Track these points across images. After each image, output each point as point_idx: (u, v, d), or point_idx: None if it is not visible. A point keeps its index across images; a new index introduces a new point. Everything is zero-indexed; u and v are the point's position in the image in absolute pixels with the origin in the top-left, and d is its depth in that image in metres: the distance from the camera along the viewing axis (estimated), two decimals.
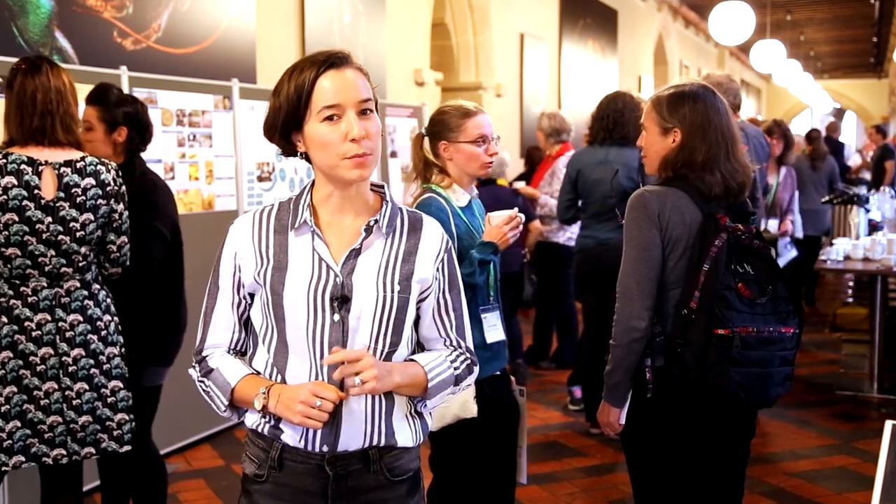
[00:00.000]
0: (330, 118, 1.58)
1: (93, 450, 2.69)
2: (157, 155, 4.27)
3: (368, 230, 1.64)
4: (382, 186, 1.72)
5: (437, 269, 1.70)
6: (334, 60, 1.60)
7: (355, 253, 1.63)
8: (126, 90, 4.07)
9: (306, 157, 1.65)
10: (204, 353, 1.73)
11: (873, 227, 6.92)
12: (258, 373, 1.68)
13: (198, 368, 1.73)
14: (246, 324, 1.73)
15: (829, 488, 4.01)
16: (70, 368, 2.65)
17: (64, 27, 4.22)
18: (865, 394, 5.54)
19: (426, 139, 2.78)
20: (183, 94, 4.43)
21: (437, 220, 1.77)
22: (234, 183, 4.76)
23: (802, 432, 4.81)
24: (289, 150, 1.67)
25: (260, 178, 4.95)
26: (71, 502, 2.82)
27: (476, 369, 1.80)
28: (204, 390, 1.71)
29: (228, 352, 1.73)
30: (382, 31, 6.88)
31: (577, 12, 11.06)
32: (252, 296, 1.69)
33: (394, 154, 6.29)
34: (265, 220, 1.67)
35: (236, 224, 1.70)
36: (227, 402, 1.67)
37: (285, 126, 1.63)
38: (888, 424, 1.85)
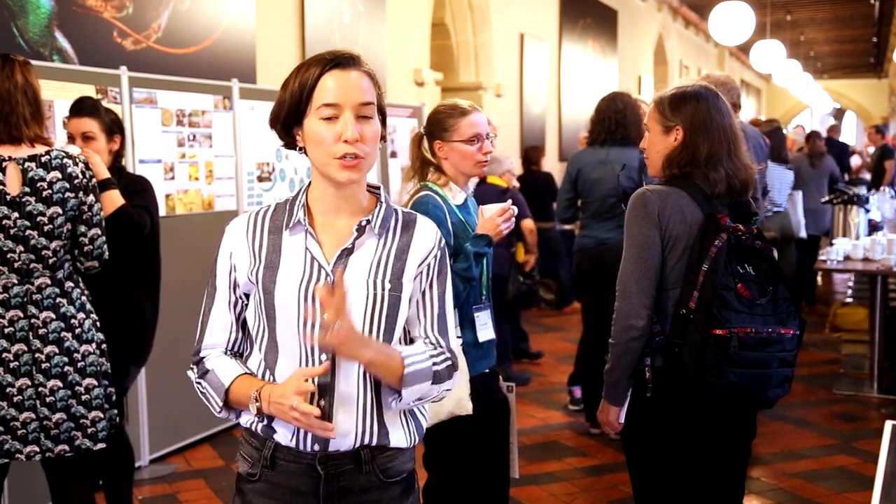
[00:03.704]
0: (328, 117, 1.59)
1: (66, 447, 2.70)
2: (157, 155, 4.27)
3: (360, 230, 1.65)
4: (378, 188, 1.73)
5: (428, 265, 1.69)
6: (341, 60, 1.61)
7: (347, 252, 1.64)
8: (126, 90, 4.08)
9: (305, 152, 1.66)
10: (201, 354, 1.73)
11: (873, 227, 6.92)
12: (252, 373, 1.68)
13: (195, 370, 1.73)
14: (244, 325, 1.73)
15: (829, 488, 4.00)
16: (43, 365, 2.66)
17: (64, 27, 4.22)
18: (865, 394, 5.55)
19: (424, 138, 2.78)
20: (183, 94, 4.43)
21: (433, 218, 1.77)
22: (233, 183, 4.76)
23: (802, 432, 4.81)
24: (289, 142, 1.68)
25: (260, 179, 4.95)
26: (82, 487, 2.83)
27: (457, 374, 1.75)
28: (201, 392, 1.72)
29: (225, 352, 1.73)
30: (382, 31, 6.88)
31: (577, 12, 11.07)
32: (248, 296, 1.70)
33: (394, 154, 6.29)
34: (260, 221, 1.69)
35: (232, 224, 1.72)
36: (221, 404, 1.68)
37: (287, 119, 1.65)
38: (888, 424, 1.86)
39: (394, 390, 1.64)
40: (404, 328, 1.72)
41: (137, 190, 3.20)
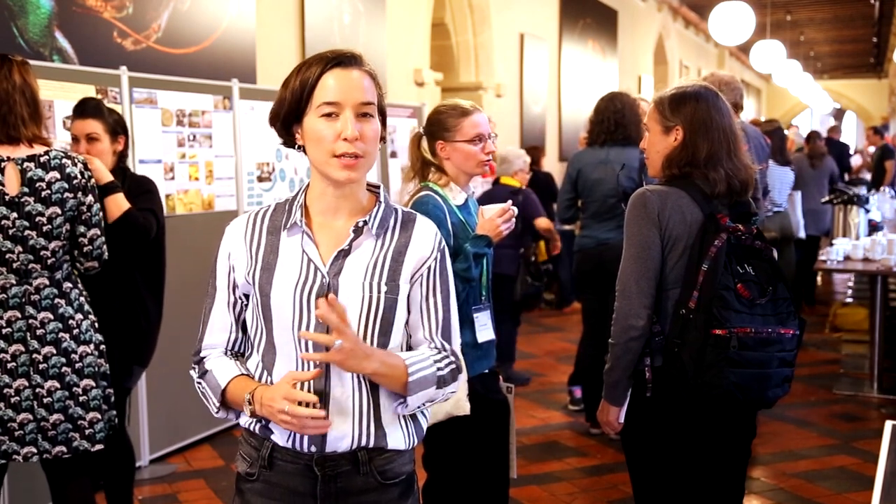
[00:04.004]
0: (328, 115, 1.59)
1: (64, 448, 2.69)
2: (157, 155, 4.27)
3: (357, 231, 1.64)
4: (378, 187, 1.72)
5: (428, 268, 1.69)
6: (342, 59, 1.61)
7: (343, 254, 1.63)
8: (126, 90, 4.08)
9: (304, 150, 1.66)
10: (202, 354, 1.74)
11: (873, 227, 6.92)
12: (249, 374, 1.69)
13: (196, 370, 1.74)
14: (244, 325, 1.73)
15: (829, 488, 4.00)
16: (41, 366, 2.65)
17: (64, 27, 4.22)
18: (865, 394, 5.55)
19: (424, 138, 2.78)
20: (183, 94, 4.43)
21: (433, 219, 1.76)
22: (233, 183, 4.76)
23: (802, 432, 4.81)
24: (288, 140, 1.68)
25: (260, 179, 4.95)
26: (82, 488, 2.82)
27: (461, 376, 1.75)
28: (201, 391, 1.72)
29: (226, 353, 1.73)
30: (382, 31, 6.88)
31: (577, 12, 11.07)
32: (247, 297, 1.70)
33: (394, 154, 6.29)
34: (259, 221, 1.69)
35: (231, 225, 1.72)
36: (218, 404, 1.68)
37: (287, 117, 1.64)
38: (888, 424, 1.86)
39: (399, 396, 1.64)
40: (406, 331, 1.71)
41: (143, 192, 3.19)
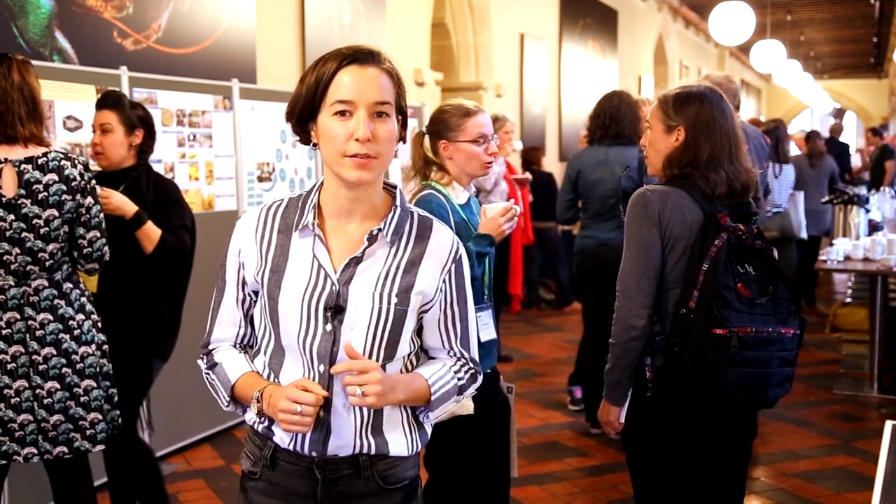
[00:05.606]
0: (342, 113, 1.55)
1: (65, 449, 2.68)
2: (157, 155, 4.26)
3: (371, 239, 1.60)
4: (395, 187, 1.68)
5: (444, 281, 1.65)
6: (359, 56, 1.57)
7: (355, 261, 1.60)
8: (126, 90, 4.07)
9: (319, 148, 1.62)
10: (210, 347, 1.73)
11: (873, 227, 6.92)
12: (259, 371, 1.68)
13: (205, 360, 1.73)
14: (252, 320, 1.72)
15: (829, 488, 4.00)
16: (41, 367, 2.65)
17: (64, 27, 4.22)
18: (865, 394, 5.55)
19: (426, 137, 2.78)
20: (183, 94, 4.43)
21: (435, 216, 1.74)
22: (234, 183, 4.76)
23: (802, 432, 4.81)
24: (304, 137, 1.64)
25: (260, 179, 4.95)
26: (84, 488, 2.82)
27: (480, 378, 1.76)
28: (209, 383, 1.72)
29: (234, 346, 1.73)
30: (382, 31, 6.88)
31: (577, 12, 11.06)
32: (257, 293, 1.67)
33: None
34: (271, 219, 1.65)
35: (242, 220, 1.68)
36: (228, 398, 1.68)
37: (302, 114, 1.60)
38: (888, 424, 1.86)
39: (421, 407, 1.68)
40: (414, 340, 1.69)
41: (170, 203, 3.16)
